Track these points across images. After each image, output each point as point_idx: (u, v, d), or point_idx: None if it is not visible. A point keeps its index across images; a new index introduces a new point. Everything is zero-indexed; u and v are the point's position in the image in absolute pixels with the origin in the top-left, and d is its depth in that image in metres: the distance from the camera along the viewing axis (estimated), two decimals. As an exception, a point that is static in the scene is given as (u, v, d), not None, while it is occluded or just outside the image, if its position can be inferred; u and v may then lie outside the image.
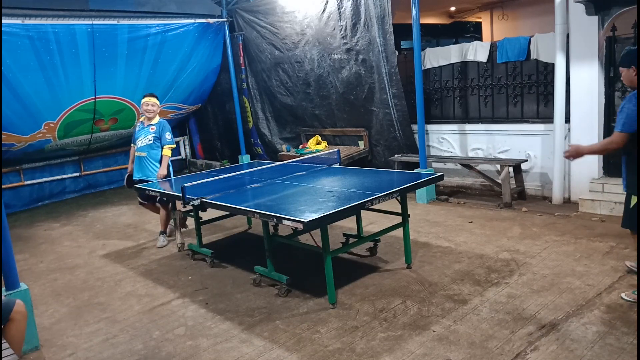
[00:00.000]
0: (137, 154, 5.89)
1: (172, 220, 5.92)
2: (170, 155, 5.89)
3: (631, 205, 3.57)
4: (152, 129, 5.82)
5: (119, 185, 9.86)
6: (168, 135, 5.85)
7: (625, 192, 3.65)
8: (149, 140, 5.79)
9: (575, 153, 3.68)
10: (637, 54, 3.44)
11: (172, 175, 6.00)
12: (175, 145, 5.99)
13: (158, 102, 5.93)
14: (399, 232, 4.58)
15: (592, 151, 3.77)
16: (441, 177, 4.63)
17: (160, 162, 5.84)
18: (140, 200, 6.04)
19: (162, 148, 5.85)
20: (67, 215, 7.97)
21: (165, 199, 5.68)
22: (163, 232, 5.98)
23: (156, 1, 10.03)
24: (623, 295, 3.61)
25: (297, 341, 3.45)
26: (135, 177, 5.89)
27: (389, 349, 3.25)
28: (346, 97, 7.96)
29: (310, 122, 8.83)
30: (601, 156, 5.80)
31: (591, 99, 5.71)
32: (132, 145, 6.06)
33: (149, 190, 5.30)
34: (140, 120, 6.04)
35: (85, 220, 7.61)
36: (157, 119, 5.89)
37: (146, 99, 5.85)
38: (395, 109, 7.29)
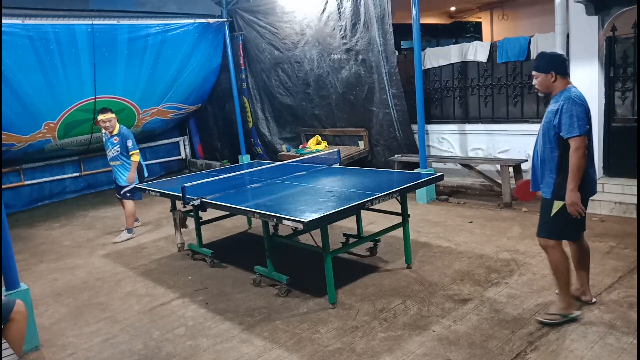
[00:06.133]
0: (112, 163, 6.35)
1: (173, 220, 5.93)
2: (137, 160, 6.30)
3: (553, 213, 3.26)
4: (115, 139, 6.23)
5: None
6: (130, 143, 6.24)
7: (547, 199, 3.31)
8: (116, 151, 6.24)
9: (577, 205, 3.14)
10: (557, 59, 3.27)
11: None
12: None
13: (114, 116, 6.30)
14: (399, 232, 4.58)
15: (576, 182, 3.13)
16: (441, 177, 4.63)
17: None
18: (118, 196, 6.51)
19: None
20: (67, 215, 7.97)
21: (128, 194, 6.30)
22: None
23: (156, 1, 10.01)
24: (538, 317, 3.42)
25: (297, 341, 3.45)
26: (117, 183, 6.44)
27: (389, 349, 3.25)
28: (346, 97, 7.96)
29: (310, 122, 8.83)
30: (601, 156, 5.80)
31: (591, 99, 5.64)
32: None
33: (149, 190, 5.32)
34: (104, 132, 6.35)
35: (85, 220, 7.61)
36: (117, 129, 6.26)
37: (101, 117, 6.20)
38: (395, 109, 7.29)
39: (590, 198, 5.57)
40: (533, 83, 3.42)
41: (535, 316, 3.45)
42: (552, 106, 3.27)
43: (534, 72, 3.37)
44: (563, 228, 3.30)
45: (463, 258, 4.65)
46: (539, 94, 3.48)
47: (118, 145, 6.19)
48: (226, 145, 10.60)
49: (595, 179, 3.35)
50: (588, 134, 3.16)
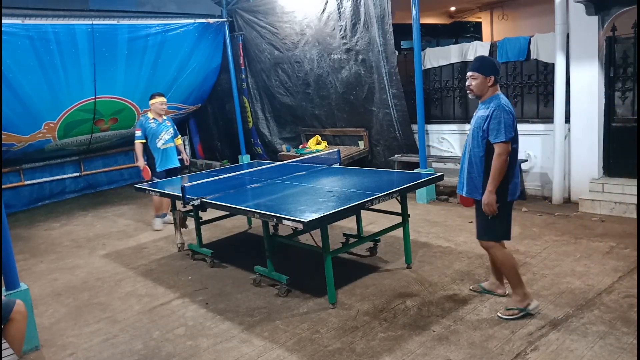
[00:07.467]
0: (167, 145, 6.46)
1: (172, 220, 5.94)
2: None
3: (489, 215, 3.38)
4: (167, 123, 6.56)
5: (118, 185, 9.87)
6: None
7: (478, 200, 3.42)
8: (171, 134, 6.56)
9: (492, 206, 3.31)
10: (497, 65, 3.41)
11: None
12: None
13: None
14: (399, 232, 4.58)
15: (495, 185, 3.29)
16: (441, 177, 4.63)
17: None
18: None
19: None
20: (67, 215, 7.97)
21: None
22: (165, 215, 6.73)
23: (156, 1, 10.01)
24: (499, 314, 3.52)
25: (297, 341, 3.45)
26: (172, 165, 6.53)
27: (389, 349, 3.25)
28: (346, 97, 7.96)
29: (310, 122, 8.83)
30: (601, 156, 5.80)
31: (591, 99, 5.72)
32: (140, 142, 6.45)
33: (149, 190, 5.31)
34: (153, 117, 6.48)
35: (85, 220, 7.61)
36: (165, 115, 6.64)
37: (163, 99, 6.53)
38: (395, 109, 7.28)
39: (590, 198, 5.56)
40: (468, 84, 3.46)
41: (497, 314, 3.54)
42: (482, 112, 3.39)
43: (472, 73, 3.40)
44: (501, 228, 3.44)
45: (463, 258, 4.66)
46: (470, 95, 3.51)
47: (171, 128, 6.53)
48: (226, 145, 10.60)
49: (518, 182, 3.44)
50: (513, 140, 3.31)
